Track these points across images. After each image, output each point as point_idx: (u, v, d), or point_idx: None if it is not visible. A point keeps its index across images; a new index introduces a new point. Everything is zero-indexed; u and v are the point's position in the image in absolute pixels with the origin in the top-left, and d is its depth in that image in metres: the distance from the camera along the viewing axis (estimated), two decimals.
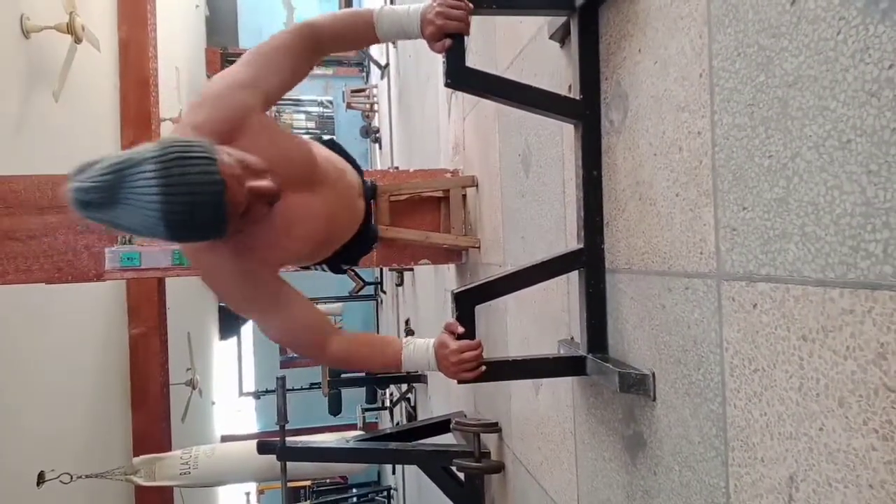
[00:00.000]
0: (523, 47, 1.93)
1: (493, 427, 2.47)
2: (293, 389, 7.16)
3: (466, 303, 1.39)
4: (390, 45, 6.41)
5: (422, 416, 5.43)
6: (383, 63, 7.32)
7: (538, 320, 1.94)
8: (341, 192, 1.51)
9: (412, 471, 5.53)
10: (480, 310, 1.40)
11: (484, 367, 1.36)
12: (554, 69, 1.67)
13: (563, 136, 1.64)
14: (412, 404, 5.99)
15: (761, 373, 0.89)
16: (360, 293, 9.84)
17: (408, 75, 5.33)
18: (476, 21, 1.36)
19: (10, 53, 3.58)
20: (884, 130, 0.68)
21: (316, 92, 13.33)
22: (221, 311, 11.46)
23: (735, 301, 0.94)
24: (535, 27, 1.79)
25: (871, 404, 0.70)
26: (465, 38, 1.31)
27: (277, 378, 3.36)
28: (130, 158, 0.95)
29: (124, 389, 5.47)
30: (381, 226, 2.63)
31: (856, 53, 0.71)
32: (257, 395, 12.45)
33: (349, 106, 9.51)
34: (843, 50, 0.72)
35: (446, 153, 3.50)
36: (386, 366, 1.42)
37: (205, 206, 0.97)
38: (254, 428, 13.05)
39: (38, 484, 3.64)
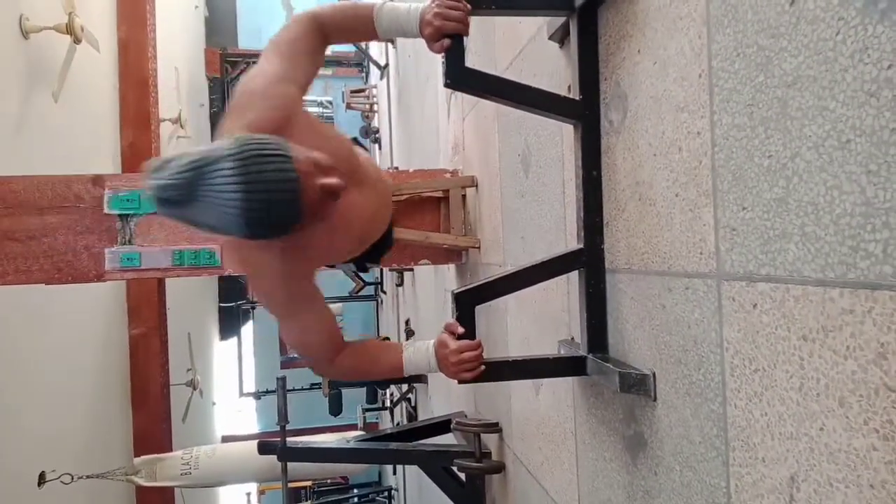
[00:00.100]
0: (522, 48, 1.93)
1: (494, 427, 2.47)
2: (294, 390, 7.15)
3: (466, 303, 1.39)
4: (390, 45, 6.42)
5: (422, 416, 5.44)
6: (383, 63, 7.32)
7: (538, 320, 1.94)
8: (380, 191, 1.50)
9: (413, 471, 5.53)
10: (480, 310, 1.40)
11: (484, 367, 1.36)
12: (553, 69, 1.67)
13: (562, 136, 1.64)
14: (413, 404, 6.00)
15: (762, 373, 0.89)
16: (360, 293, 9.85)
17: (407, 75, 5.33)
18: (475, 21, 1.36)
19: (9, 54, 3.58)
20: (883, 130, 0.68)
21: (315, 92, 13.30)
22: (221, 311, 11.45)
23: (735, 301, 0.94)
24: (534, 27, 1.79)
25: (872, 404, 0.70)
26: (465, 38, 1.31)
27: (278, 378, 3.36)
28: (208, 156, 0.94)
29: (125, 390, 5.48)
30: None
31: (855, 54, 0.71)
32: (258, 395, 12.45)
33: (349, 106, 9.50)
34: (843, 50, 0.72)
35: (446, 153, 3.50)
36: (388, 373, 1.43)
37: (282, 203, 0.97)
38: (254, 428, 13.06)
39: (39, 484, 3.64)
